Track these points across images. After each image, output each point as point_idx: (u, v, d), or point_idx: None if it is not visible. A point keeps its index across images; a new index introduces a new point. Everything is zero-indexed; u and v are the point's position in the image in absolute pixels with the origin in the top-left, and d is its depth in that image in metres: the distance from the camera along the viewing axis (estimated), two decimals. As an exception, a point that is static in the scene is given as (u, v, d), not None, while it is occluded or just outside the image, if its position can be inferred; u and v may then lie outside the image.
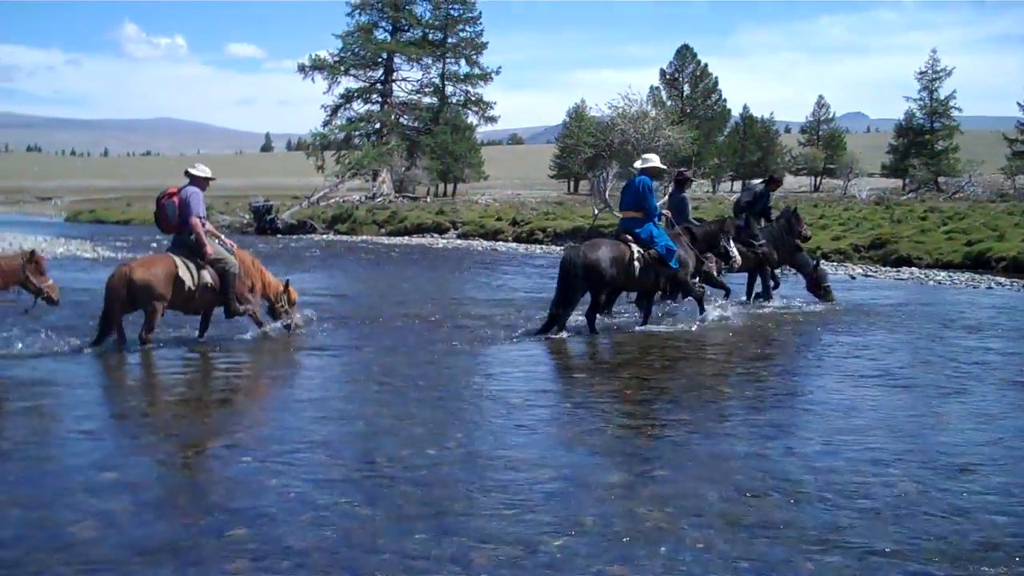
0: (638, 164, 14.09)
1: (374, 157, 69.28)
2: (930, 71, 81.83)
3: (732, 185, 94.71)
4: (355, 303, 17.17)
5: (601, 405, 8.90)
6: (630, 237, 13.37)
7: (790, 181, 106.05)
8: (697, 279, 14.57)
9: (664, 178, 29.73)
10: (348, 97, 78.89)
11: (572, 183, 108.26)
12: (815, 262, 17.05)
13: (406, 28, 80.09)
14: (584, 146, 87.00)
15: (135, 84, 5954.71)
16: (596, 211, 39.42)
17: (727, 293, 15.20)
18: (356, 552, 5.13)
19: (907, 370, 10.80)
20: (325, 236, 44.50)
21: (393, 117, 79.43)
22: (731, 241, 14.72)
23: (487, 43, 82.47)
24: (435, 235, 43.70)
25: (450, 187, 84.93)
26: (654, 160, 14.05)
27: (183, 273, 11.70)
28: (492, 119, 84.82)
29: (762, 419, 8.30)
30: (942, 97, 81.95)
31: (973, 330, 13.60)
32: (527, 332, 13.08)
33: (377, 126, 78.99)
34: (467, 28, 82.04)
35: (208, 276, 11.91)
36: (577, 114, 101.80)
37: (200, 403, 9.02)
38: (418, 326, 13.88)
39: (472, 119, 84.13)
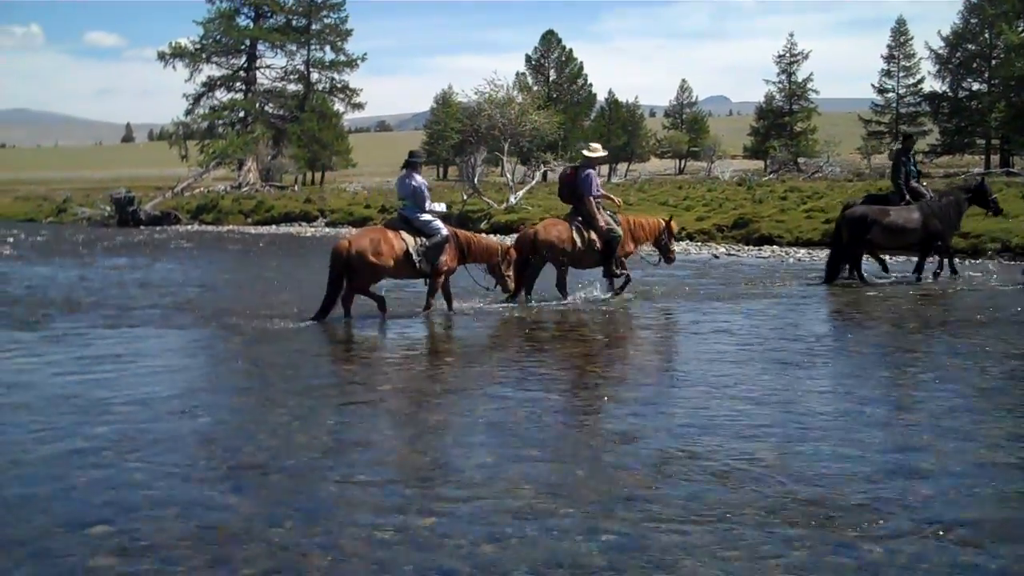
0: None
1: (239, 146, 68.08)
2: (788, 54, 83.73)
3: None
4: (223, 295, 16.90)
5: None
6: None
7: (656, 164, 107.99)
8: None
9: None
10: (211, 85, 77.14)
11: (441, 169, 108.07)
12: None
13: (269, 14, 78.58)
14: (452, 132, 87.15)
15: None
16: (465, 196, 39.50)
17: None
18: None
19: None
20: (189, 227, 43.69)
21: (258, 105, 78.00)
22: None
23: (352, 30, 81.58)
24: (303, 224, 43.30)
25: (318, 175, 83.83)
26: None
27: (576, 235, 14.59)
28: (359, 106, 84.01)
29: None
30: (800, 80, 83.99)
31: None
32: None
33: (241, 114, 77.39)
34: (331, 15, 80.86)
35: (596, 239, 14.67)
36: (444, 100, 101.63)
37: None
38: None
39: (339, 106, 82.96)
